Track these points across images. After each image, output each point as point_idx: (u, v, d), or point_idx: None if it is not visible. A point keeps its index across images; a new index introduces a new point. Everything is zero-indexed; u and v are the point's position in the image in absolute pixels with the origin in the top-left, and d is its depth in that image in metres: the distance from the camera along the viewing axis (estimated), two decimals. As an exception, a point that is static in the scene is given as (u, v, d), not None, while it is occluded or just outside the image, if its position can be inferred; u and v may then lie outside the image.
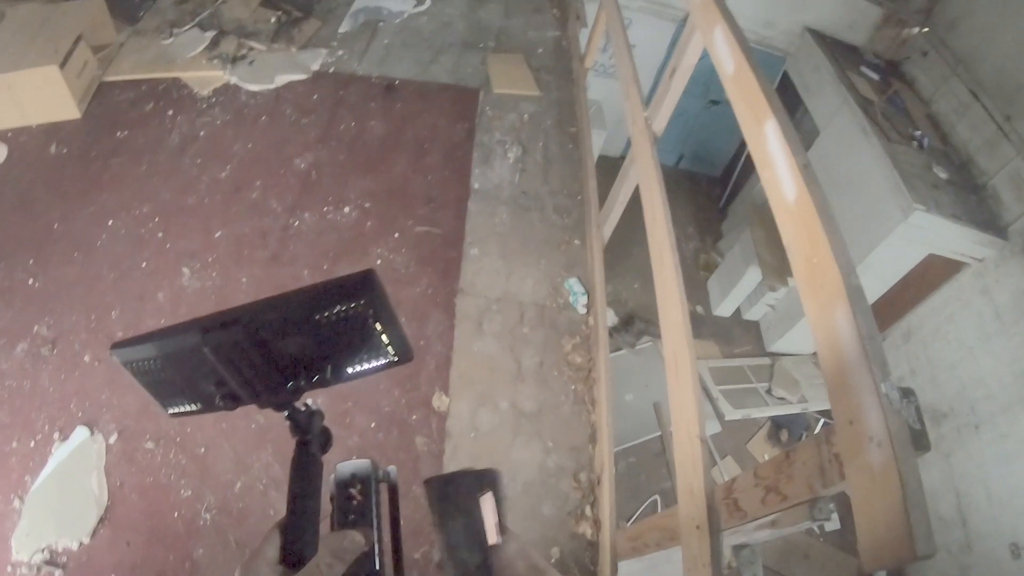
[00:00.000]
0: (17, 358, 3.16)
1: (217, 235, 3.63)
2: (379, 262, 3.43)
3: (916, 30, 7.06)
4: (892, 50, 7.21)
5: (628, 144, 7.98)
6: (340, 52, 4.79)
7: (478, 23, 5.17)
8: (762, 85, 1.87)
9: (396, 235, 3.56)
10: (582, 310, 3.49)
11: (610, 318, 6.47)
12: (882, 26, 7.15)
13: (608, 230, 3.68)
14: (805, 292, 1.48)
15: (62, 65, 4.41)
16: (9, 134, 4.57)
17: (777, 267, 6.40)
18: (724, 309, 7.15)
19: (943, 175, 5.55)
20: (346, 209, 3.69)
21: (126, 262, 3.58)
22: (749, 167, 7.77)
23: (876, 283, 5.85)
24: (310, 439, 0.75)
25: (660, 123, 3.06)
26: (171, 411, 0.78)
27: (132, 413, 2.97)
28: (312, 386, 0.72)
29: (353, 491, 0.75)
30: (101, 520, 2.69)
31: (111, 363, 3.15)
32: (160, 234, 3.71)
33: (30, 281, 3.55)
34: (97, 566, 2.58)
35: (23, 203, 4.05)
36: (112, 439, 2.90)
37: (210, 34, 4.86)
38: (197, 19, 5.03)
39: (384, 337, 0.71)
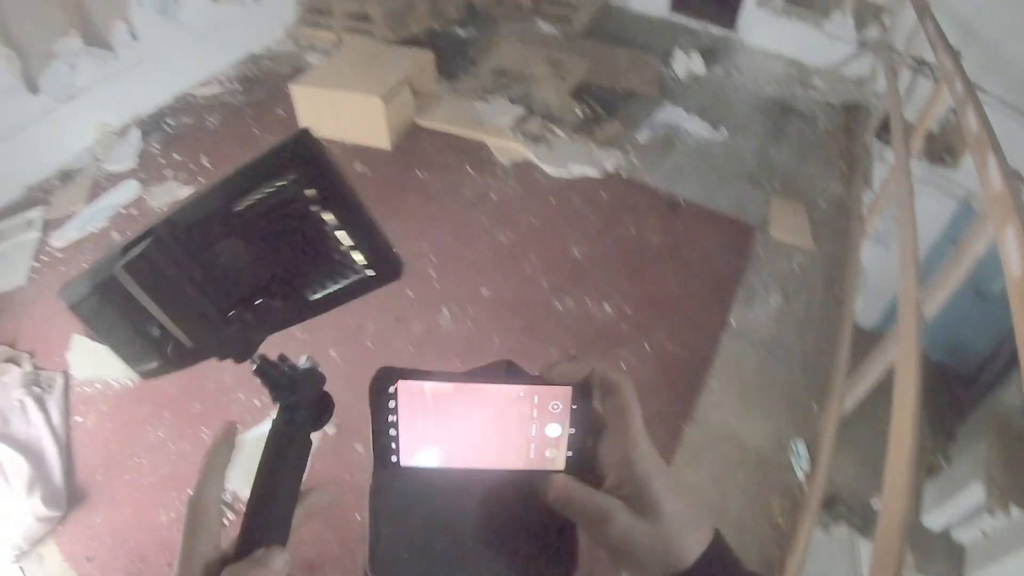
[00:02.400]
0: (272, 331, 3.84)
1: (483, 291, 4.16)
2: (623, 365, 3.78)
3: None
4: None
5: (883, 318, 7.98)
6: (634, 159, 5.33)
7: (768, 162, 5.55)
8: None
9: (646, 345, 3.90)
10: (801, 476, 3.65)
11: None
12: None
13: (850, 403, 3.82)
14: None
15: (385, 99, 5.22)
16: (325, 144, 5.47)
17: (1006, 490, 6.12)
18: (933, 520, 6.84)
19: None
20: (606, 306, 4.09)
21: (394, 286, 4.19)
22: (1004, 373, 7.48)
23: None
24: (293, 403, 0.60)
25: (932, 308, 3.15)
26: (137, 369, 0.64)
27: (354, 415, 3.50)
28: (269, 319, 0.58)
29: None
30: (287, 493, 3.20)
31: (353, 363, 3.75)
32: (432, 271, 4.30)
33: (304, 269, 4.29)
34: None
35: None
36: (330, 430, 3.40)
37: (519, 109, 5.59)
38: (510, 93, 5.81)
39: (341, 234, 0.54)
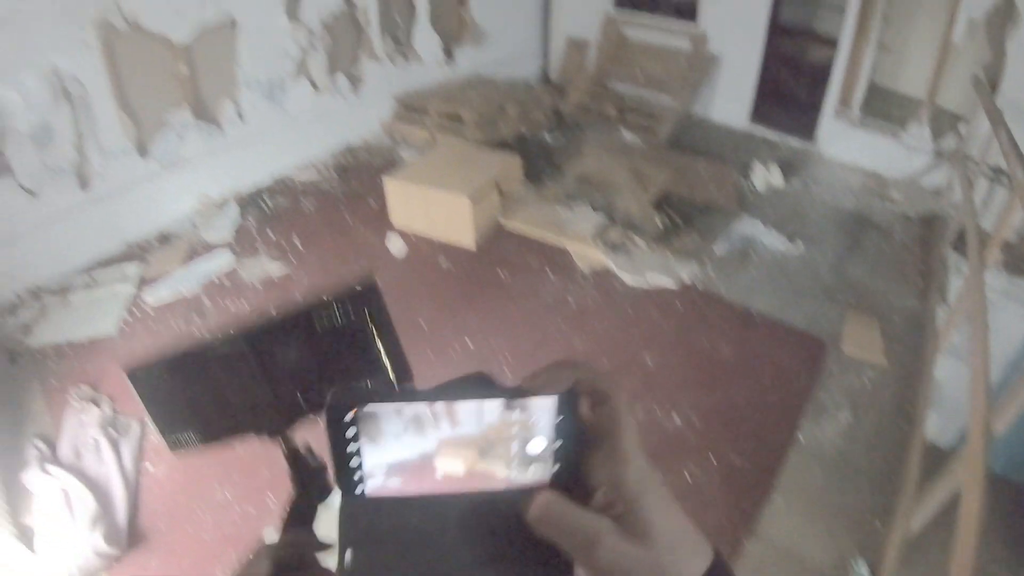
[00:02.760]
0: (353, 417, 4.11)
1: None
2: (688, 476, 3.88)
3: None
4: None
5: (960, 435, 7.82)
6: (710, 271, 5.52)
7: (843, 276, 5.67)
8: None
9: (712, 457, 4.01)
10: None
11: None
12: None
13: (916, 524, 3.81)
14: None
15: (473, 199, 5.57)
16: (413, 237, 5.86)
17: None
18: (1007, 654, 6.62)
19: None
20: (675, 416, 4.23)
21: (470, 381, 4.47)
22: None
23: None
24: (307, 482, 0.77)
25: (1001, 425, 3.16)
26: (171, 438, 0.79)
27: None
28: (310, 408, 0.74)
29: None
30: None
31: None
32: (506, 370, 4.52)
33: (396, 355, 4.59)
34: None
35: (404, 293, 5.22)
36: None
37: (601, 217, 5.91)
38: (593, 200, 6.14)
39: (382, 350, 0.73)
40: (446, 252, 5.76)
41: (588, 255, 5.60)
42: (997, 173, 5.99)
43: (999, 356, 3.46)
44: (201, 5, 6.15)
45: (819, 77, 7.73)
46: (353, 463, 0.54)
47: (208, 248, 5.99)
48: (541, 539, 0.53)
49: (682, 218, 6.13)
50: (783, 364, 4.68)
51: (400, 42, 8.15)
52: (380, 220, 6.21)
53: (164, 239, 6.17)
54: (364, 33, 7.66)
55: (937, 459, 4.11)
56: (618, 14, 8.74)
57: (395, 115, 8.13)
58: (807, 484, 4.02)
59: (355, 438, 0.53)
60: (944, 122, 7.40)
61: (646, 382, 4.49)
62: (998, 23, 6.81)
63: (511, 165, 6.30)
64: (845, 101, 7.53)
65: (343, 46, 7.58)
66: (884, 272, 5.82)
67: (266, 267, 5.69)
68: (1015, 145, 4.48)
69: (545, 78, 9.68)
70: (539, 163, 7.08)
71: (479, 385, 0.56)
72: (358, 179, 7.10)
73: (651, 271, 5.38)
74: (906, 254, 6.10)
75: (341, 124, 7.75)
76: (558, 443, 0.54)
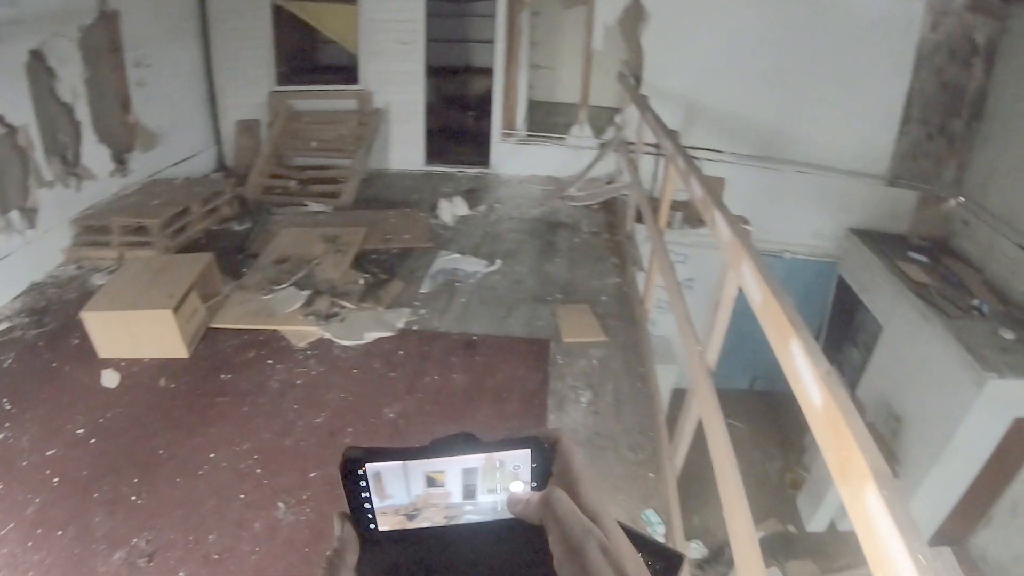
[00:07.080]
0: (114, 564, 3.69)
1: (312, 475, 4.28)
2: None
3: (952, 203, 7.93)
4: (936, 229, 8.15)
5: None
6: (422, 311, 5.68)
7: (546, 278, 6.07)
8: (786, 310, 2.19)
9: None
10: (661, 540, 3.89)
11: (700, 550, 6.96)
12: (920, 208, 8.15)
13: (679, 460, 4.01)
14: (839, 483, 1.67)
15: (175, 310, 5.34)
16: (123, 363, 5.48)
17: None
18: (817, 524, 7.42)
19: (1010, 336, 6.17)
20: None
21: (226, 492, 4.21)
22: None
23: (968, 462, 6.23)
24: None
25: (712, 355, 3.46)
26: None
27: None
28: None
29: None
30: None
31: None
32: (259, 470, 4.37)
33: (133, 497, 4.25)
34: None
35: (133, 426, 4.86)
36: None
37: (305, 293, 5.89)
38: (293, 279, 6.11)
39: None
40: (163, 370, 5.43)
41: (301, 332, 5.57)
42: (657, 148, 6.73)
43: (708, 299, 3.68)
44: None
45: (483, 107, 8.27)
46: (366, 506, 0.64)
47: None
48: (531, 558, 0.61)
49: (383, 270, 6.28)
50: (515, 373, 4.92)
51: (69, 161, 7.60)
52: (88, 355, 5.70)
53: None
54: (29, 159, 7.03)
55: (682, 399, 4.40)
56: (282, 89, 8.85)
57: (76, 240, 7.54)
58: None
59: (366, 488, 0.64)
60: (603, 118, 8.26)
61: (394, 434, 4.52)
62: (630, 24, 7.72)
63: (206, 264, 6.07)
64: (509, 123, 8.10)
65: (9, 177, 6.91)
66: (582, 262, 6.28)
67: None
68: (660, 122, 5.14)
69: (222, 167, 9.50)
70: (234, 255, 6.94)
71: (466, 442, 0.67)
72: (54, 318, 6.48)
73: (366, 329, 5.44)
74: (597, 240, 6.62)
75: (21, 264, 7.02)
76: (534, 484, 0.65)
